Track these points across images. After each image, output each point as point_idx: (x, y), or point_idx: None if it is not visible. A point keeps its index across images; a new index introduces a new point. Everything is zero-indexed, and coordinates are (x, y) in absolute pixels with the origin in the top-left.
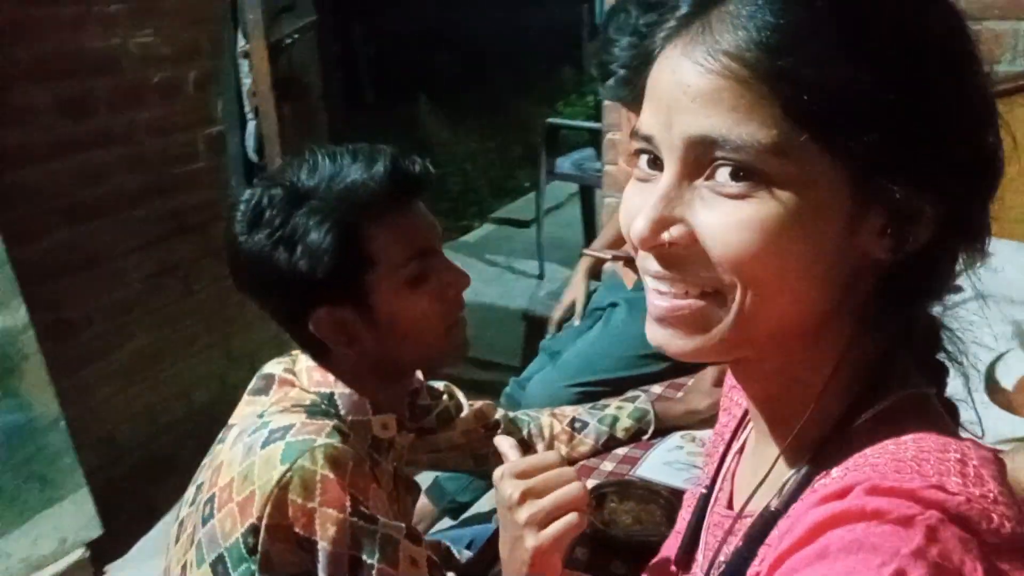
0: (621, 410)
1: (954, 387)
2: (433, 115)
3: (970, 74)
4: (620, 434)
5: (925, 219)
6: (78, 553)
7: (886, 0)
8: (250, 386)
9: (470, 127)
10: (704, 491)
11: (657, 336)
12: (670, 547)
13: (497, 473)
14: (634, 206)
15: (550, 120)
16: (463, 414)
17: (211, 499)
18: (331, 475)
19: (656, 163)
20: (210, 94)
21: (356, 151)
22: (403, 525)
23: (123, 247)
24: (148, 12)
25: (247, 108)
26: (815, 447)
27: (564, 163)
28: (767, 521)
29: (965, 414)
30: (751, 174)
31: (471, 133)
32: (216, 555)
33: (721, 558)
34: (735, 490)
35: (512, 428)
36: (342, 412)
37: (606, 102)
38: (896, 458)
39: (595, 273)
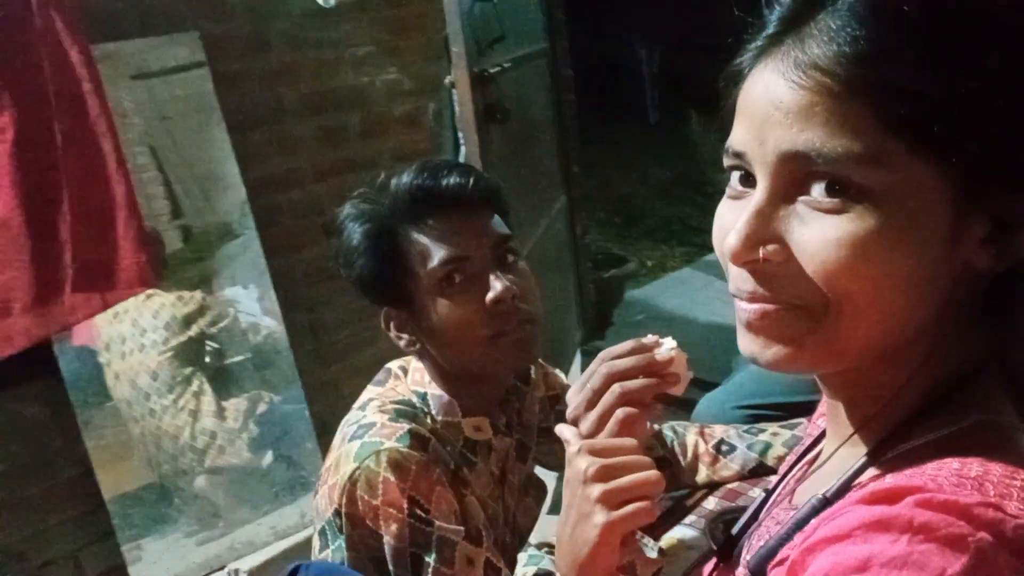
0: (776, 437)
1: None
2: (708, 132)
3: None
4: (771, 462)
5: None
6: (311, 529)
7: (976, 1)
8: (375, 376)
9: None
10: (764, 492)
11: (746, 344)
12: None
13: (573, 448)
14: (727, 222)
15: None
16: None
17: (320, 475)
18: (392, 477)
19: (748, 179)
20: (446, 124)
21: (425, 164)
22: (462, 528)
23: None
24: (393, 52)
25: (461, 136)
26: (875, 446)
27: None
28: (814, 509)
29: None
30: (847, 188)
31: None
32: (320, 526)
33: (760, 542)
34: (797, 492)
35: (660, 440)
36: (434, 412)
37: None
38: (959, 474)
39: None
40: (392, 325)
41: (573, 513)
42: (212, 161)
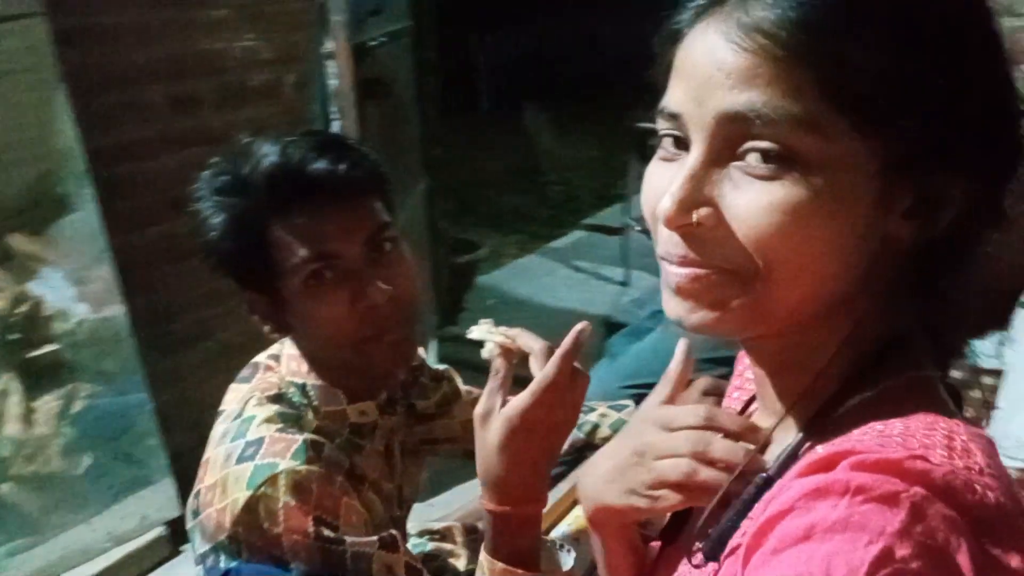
0: (604, 418)
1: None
2: (543, 123)
3: (1000, 58)
4: (597, 442)
5: (951, 202)
6: (158, 531)
7: None
8: (240, 374)
9: (581, 135)
10: None
11: (673, 307)
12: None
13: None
14: (658, 185)
15: (640, 124)
16: (460, 401)
17: (197, 494)
18: (293, 502)
19: (681, 143)
20: (307, 97)
21: (290, 141)
22: (375, 539)
23: None
24: (251, 17)
25: (332, 110)
26: (810, 418)
27: None
28: (758, 489)
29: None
30: (781, 154)
31: (581, 141)
32: (207, 547)
33: (706, 524)
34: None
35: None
36: (315, 403)
37: None
38: (882, 434)
39: None
40: (255, 310)
41: (615, 479)
42: (45, 127)
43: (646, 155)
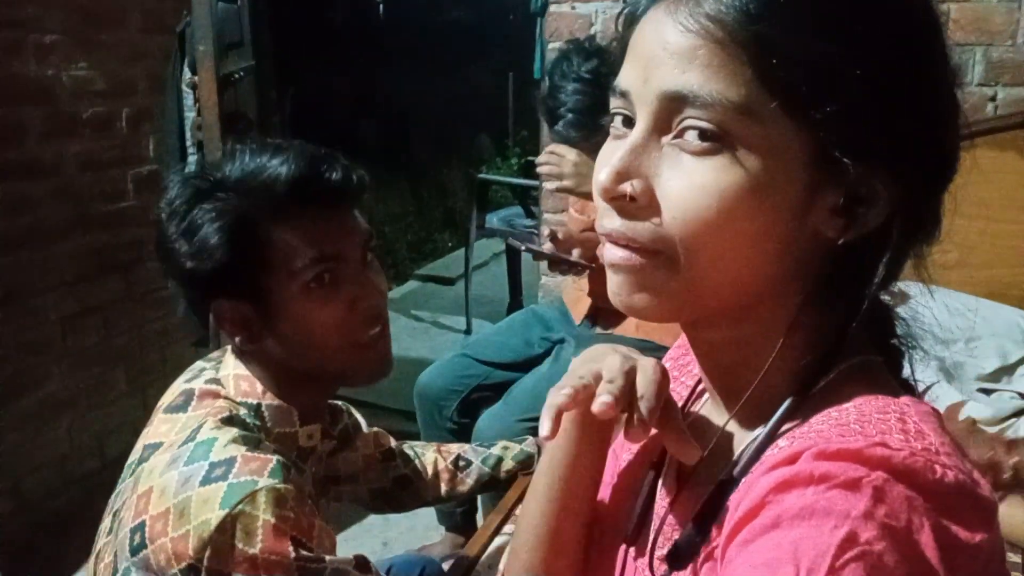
0: (507, 451)
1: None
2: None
3: (941, 69)
4: (502, 475)
5: (879, 203)
6: None
7: None
8: (165, 402)
9: (392, 191)
10: (654, 461)
11: (614, 286)
12: (610, 514)
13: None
14: (606, 161)
15: (481, 176)
16: (361, 434)
17: (140, 527)
18: (273, 520)
19: (629, 122)
20: (143, 133)
21: (284, 148)
22: (351, 557)
23: (43, 283)
24: (85, 44)
25: (190, 143)
26: (765, 419)
27: (493, 219)
28: (718, 493)
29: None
30: (717, 136)
31: (393, 197)
32: None
33: (668, 529)
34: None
35: (404, 458)
36: (268, 424)
37: None
38: (839, 423)
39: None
40: (227, 320)
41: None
42: None
43: (484, 205)
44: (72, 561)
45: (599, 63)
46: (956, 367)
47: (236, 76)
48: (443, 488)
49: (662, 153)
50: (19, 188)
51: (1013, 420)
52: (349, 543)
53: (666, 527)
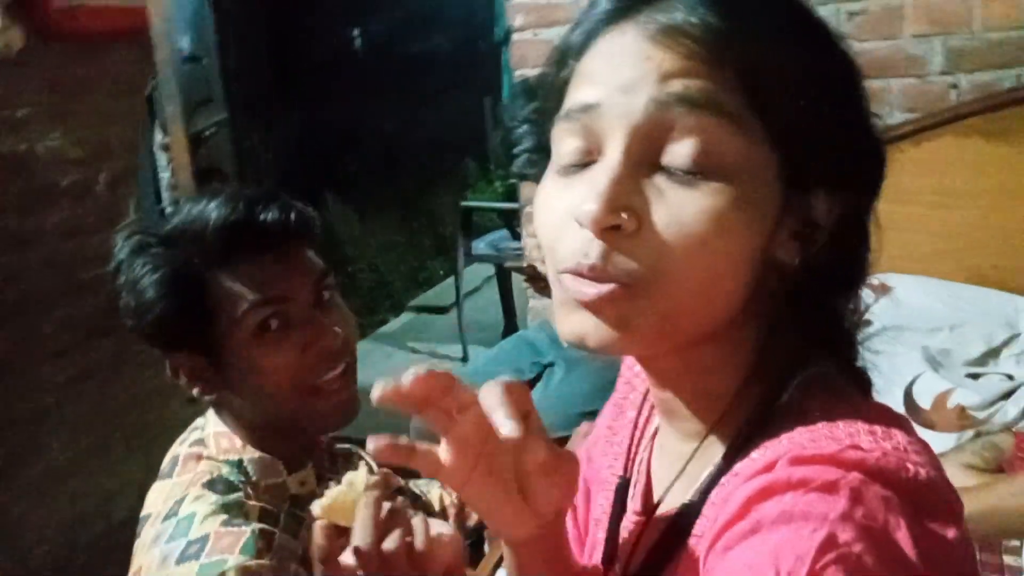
0: None
1: None
2: (341, 212)
3: (865, 95)
4: None
5: (824, 223)
6: None
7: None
8: (161, 469)
9: (379, 222)
10: (619, 479)
11: (577, 323)
12: (577, 526)
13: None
14: (560, 200)
15: (465, 203)
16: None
17: None
18: None
19: (581, 152)
20: (122, 195)
21: (218, 193)
22: None
23: (36, 354)
24: (57, 115)
25: (166, 202)
26: (730, 442)
27: (480, 244)
28: (684, 516)
29: None
30: (706, 161)
31: (380, 228)
32: None
33: (638, 555)
34: (654, 484)
35: (412, 497)
36: (255, 478)
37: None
38: (810, 431)
39: None
40: (182, 373)
41: None
42: None
43: (470, 232)
44: None
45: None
46: (943, 354)
47: (208, 132)
48: (451, 524)
49: (645, 183)
50: (4, 262)
51: (1001, 403)
52: None
53: (636, 553)
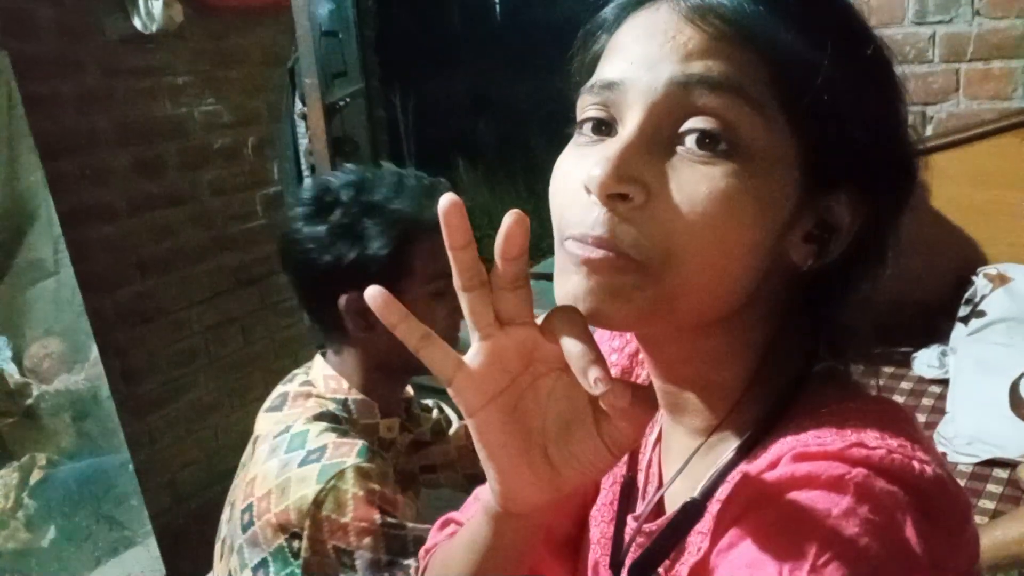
0: None
1: None
2: (472, 179)
3: (903, 98)
4: None
5: (843, 230)
6: None
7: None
8: (266, 405)
9: (508, 190)
10: (624, 476)
11: (573, 286)
12: (573, 524)
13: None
14: (573, 169)
15: None
16: (453, 429)
17: (248, 508)
18: (360, 492)
19: (603, 129)
20: (267, 157)
21: (418, 178)
22: (430, 526)
23: (187, 300)
24: (212, 83)
25: (304, 167)
26: (740, 439)
27: None
28: (689, 513)
29: None
30: (724, 139)
31: (509, 196)
32: (259, 559)
33: (639, 550)
34: (659, 481)
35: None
36: (354, 416)
37: None
38: (817, 426)
39: None
40: (352, 310)
41: None
42: (20, 191)
43: None
44: None
45: None
46: None
47: (342, 103)
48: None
49: (661, 157)
50: (161, 216)
51: None
52: None
53: (640, 550)
